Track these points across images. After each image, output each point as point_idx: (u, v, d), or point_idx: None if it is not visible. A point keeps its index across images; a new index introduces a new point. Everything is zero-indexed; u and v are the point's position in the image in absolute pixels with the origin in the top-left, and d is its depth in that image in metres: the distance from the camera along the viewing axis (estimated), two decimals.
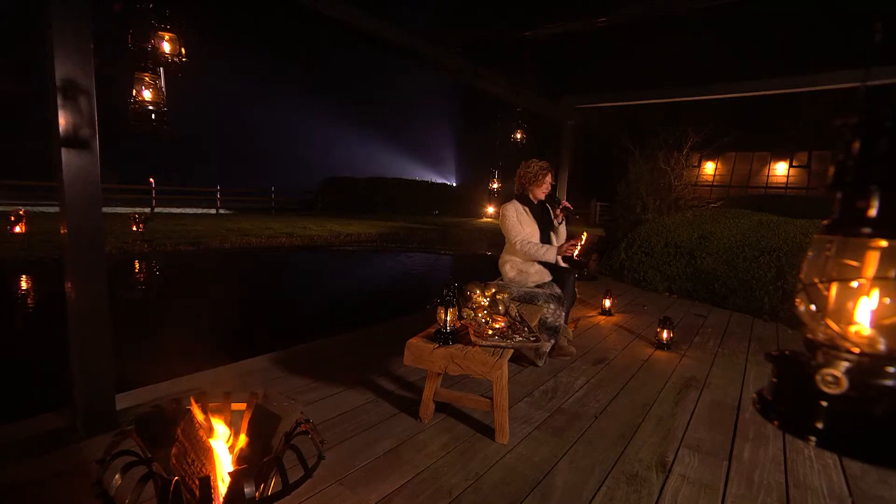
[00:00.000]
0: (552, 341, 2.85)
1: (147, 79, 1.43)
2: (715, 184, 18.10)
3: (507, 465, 1.79)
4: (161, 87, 1.46)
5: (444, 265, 9.69)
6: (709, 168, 18.38)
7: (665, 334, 3.29)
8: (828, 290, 0.40)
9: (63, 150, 1.54)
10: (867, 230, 0.38)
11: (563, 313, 2.89)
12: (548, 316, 2.80)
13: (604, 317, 4.14)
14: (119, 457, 0.96)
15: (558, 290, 2.90)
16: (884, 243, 0.38)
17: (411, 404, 2.21)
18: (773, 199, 14.04)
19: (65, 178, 1.57)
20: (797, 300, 0.42)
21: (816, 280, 0.40)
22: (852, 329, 0.39)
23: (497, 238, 3.18)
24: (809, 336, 0.42)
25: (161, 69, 1.44)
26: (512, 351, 2.03)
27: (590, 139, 13.16)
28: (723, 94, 4.86)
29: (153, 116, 1.44)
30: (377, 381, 2.50)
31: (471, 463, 1.78)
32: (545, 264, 2.98)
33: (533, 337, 2.06)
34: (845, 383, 0.39)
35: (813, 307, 0.41)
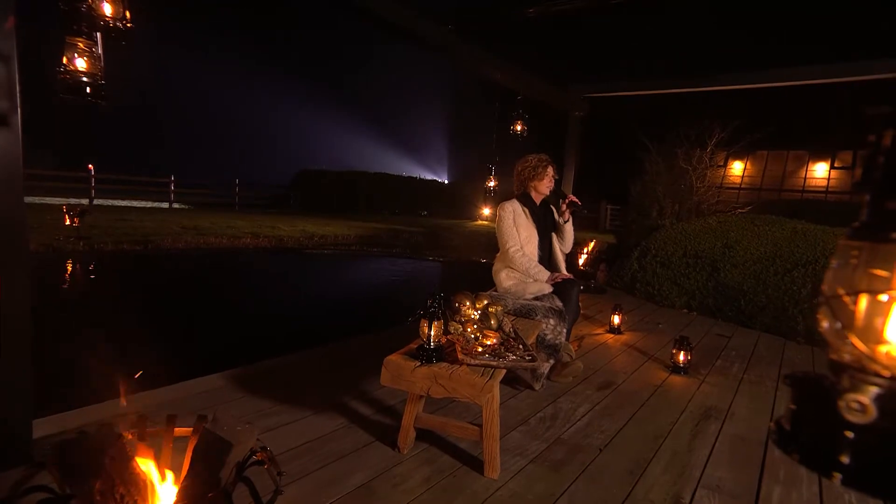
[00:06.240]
0: (551, 361, 2.85)
1: (81, 45, 1.39)
2: (743, 186, 18.24)
3: (497, 503, 1.78)
4: (98, 56, 1.42)
5: (432, 273, 9.68)
6: (736, 168, 18.50)
7: (682, 356, 3.30)
8: (854, 304, 0.39)
9: None
10: None
11: (565, 330, 2.90)
12: (547, 332, 2.80)
13: (612, 335, 4.15)
14: (31, 493, 0.92)
15: (559, 304, 2.90)
16: None
17: (389, 431, 2.20)
18: (811, 204, 14.19)
19: None
20: (819, 315, 0.42)
21: (841, 292, 0.40)
22: (882, 349, 0.39)
23: (494, 243, 3.19)
24: (834, 357, 0.41)
25: (98, 35, 1.41)
26: (504, 371, 2.02)
27: (600, 133, 13.23)
28: (754, 83, 4.91)
29: (88, 90, 1.41)
30: (351, 404, 2.48)
31: (455, 501, 1.77)
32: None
33: (528, 356, 2.06)
34: (873, 411, 0.38)
35: (838, 324, 0.40)
